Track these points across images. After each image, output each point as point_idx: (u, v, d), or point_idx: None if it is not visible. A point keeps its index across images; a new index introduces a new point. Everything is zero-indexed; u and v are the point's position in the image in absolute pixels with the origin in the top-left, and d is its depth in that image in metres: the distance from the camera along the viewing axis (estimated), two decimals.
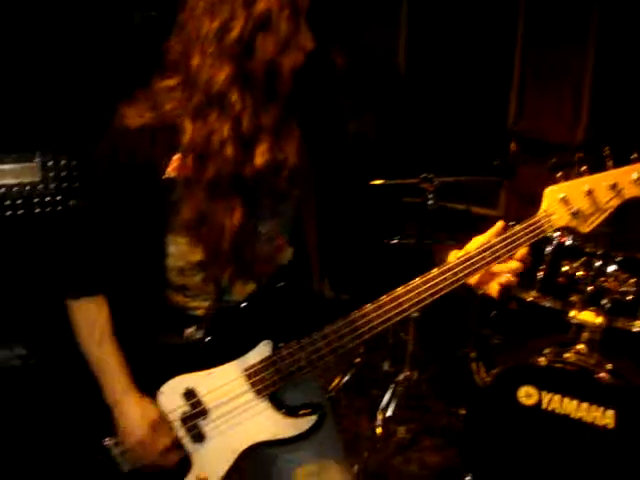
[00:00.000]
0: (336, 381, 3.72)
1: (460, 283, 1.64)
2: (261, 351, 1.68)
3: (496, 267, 1.64)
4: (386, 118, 4.72)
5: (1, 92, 2.56)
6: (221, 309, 1.74)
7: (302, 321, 1.70)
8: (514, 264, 1.64)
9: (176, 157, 1.60)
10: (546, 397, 2.61)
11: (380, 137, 4.62)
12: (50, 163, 2.63)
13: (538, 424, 2.63)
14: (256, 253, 1.70)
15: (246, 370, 1.68)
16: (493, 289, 1.66)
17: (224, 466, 1.70)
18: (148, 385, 1.70)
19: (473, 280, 1.66)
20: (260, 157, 1.57)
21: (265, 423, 1.69)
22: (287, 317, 1.70)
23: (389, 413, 3.39)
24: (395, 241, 3.11)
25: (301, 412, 1.71)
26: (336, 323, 1.66)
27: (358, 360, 3.85)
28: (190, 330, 1.74)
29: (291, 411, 1.71)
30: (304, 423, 1.70)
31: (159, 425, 1.69)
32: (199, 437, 1.70)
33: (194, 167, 1.58)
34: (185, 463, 1.71)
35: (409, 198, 3.57)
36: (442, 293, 1.63)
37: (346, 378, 3.75)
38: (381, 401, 3.45)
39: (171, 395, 1.69)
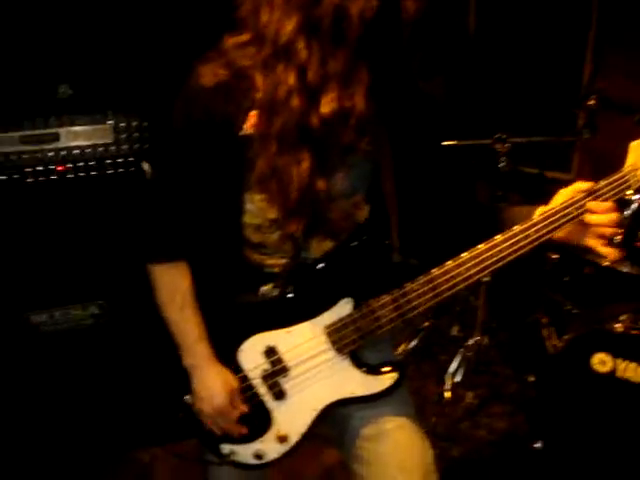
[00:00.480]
0: (403, 345, 3.70)
1: (543, 240, 1.60)
2: (341, 309, 1.67)
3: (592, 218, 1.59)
4: (456, 79, 4.63)
5: (73, 55, 2.57)
6: (298, 266, 1.72)
7: (381, 280, 1.68)
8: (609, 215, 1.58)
9: (253, 113, 1.58)
10: (621, 365, 2.54)
11: (450, 99, 4.54)
12: (122, 124, 2.65)
13: (611, 392, 2.57)
14: (331, 209, 1.67)
15: (327, 328, 1.67)
16: (593, 242, 1.61)
17: (304, 424, 1.70)
18: (225, 343, 1.71)
19: (562, 234, 1.61)
20: (327, 105, 1.52)
21: (346, 381, 1.69)
22: (367, 275, 1.68)
23: (458, 378, 3.38)
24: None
25: (382, 370, 1.70)
26: (416, 281, 1.64)
27: (426, 324, 3.83)
28: (266, 288, 1.73)
29: (372, 369, 1.70)
30: (386, 380, 1.69)
31: (237, 395, 1.71)
32: (280, 395, 1.71)
33: (264, 120, 1.56)
34: (265, 421, 1.72)
35: (481, 160, 3.50)
36: (525, 250, 1.60)
37: (414, 342, 3.73)
38: (449, 366, 3.44)
39: (251, 353, 1.70)
